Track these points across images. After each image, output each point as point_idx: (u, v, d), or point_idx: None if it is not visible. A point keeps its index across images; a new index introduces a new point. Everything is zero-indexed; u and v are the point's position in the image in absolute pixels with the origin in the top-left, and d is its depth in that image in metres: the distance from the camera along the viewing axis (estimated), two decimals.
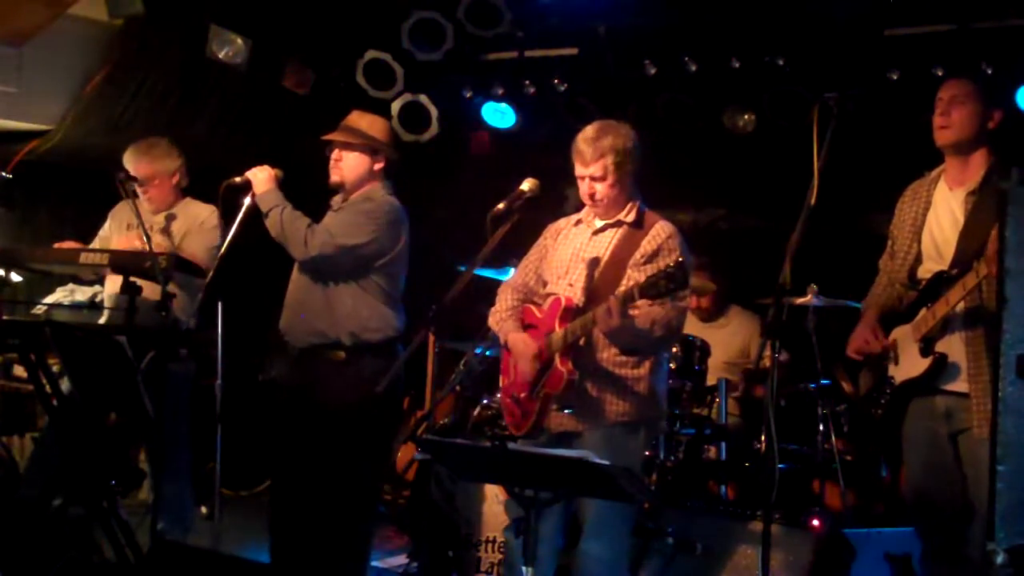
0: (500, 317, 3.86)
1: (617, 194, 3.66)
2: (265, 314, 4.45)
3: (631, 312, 3.39)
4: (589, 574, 3.56)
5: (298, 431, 4.22)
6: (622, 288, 3.51)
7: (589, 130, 3.66)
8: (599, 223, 3.74)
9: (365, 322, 4.15)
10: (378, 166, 4.26)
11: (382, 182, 4.30)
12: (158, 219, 4.81)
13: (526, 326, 3.78)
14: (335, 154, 4.24)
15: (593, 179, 3.63)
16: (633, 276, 3.57)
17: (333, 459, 4.14)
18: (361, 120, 4.30)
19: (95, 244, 4.98)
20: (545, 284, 3.84)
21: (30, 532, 4.24)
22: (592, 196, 3.66)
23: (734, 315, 5.88)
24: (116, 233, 4.91)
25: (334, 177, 4.25)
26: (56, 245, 4.67)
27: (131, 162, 4.80)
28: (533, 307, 3.81)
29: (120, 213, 4.97)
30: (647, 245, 3.62)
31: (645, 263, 3.59)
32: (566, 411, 3.61)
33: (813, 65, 5.51)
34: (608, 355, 3.61)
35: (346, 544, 4.19)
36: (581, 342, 3.56)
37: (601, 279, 3.63)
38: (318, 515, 4.17)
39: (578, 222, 3.84)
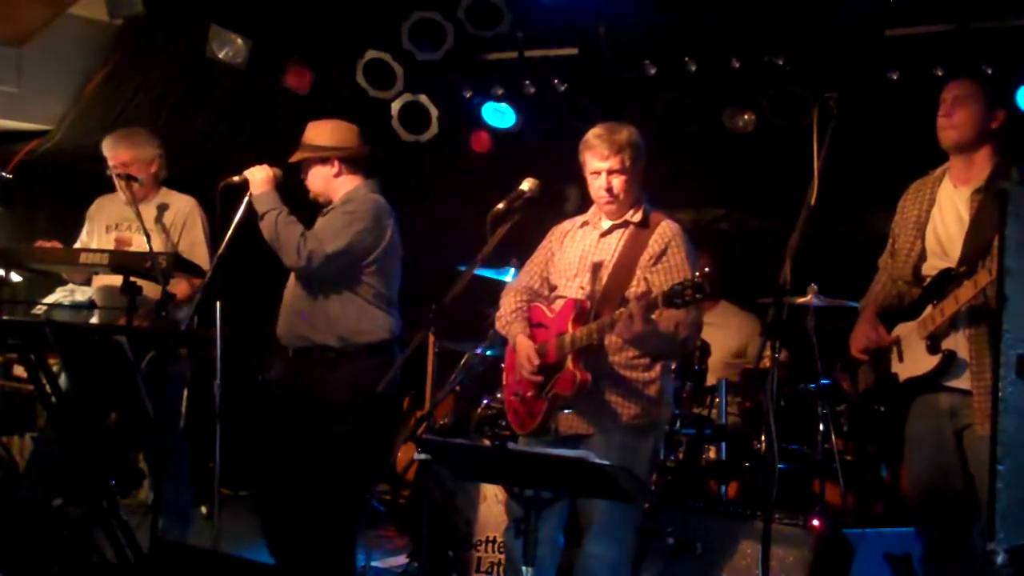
0: (506, 320, 3.85)
1: (630, 190, 3.66)
2: (265, 314, 4.46)
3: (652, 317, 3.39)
4: (593, 575, 3.57)
5: (291, 430, 4.24)
6: (633, 290, 3.52)
7: (600, 128, 3.67)
8: (606, 224, 3.74)
9: (354, 326, 4.16)
10: (334, 171, 4.27)
11: (362, 181, 4.32)
12: (149, 211, 4.76)
13: (535, 324, 3.77)
14: (303, 173, 4.31)
15: (611, 172, 3.61)
16: (643, 277, 3.58)
17: (323, 457, 4.16)
18: (310, 132, 4.32)
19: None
20: (552, 287, 3.83)
21: (30, 532, 4.24)
22: (610, 190, 3.63)
23: (729, 314, 5.86)
24: (98, 235, 4.84)
25: (310, 194, 4.33)
26: (39, 244, 4.65)
27: (109, 149, 4.74)
28: (543, 306, 3.80)
29: (97, 214, 4.90)
30: (654, 245, 3.63)
31: (654, 264, 3.60)
32: (566, 411, 3.61)
33: (813, 65, 5.51)
34: (621, 358, 3.60)
35: (332, 542, 4.20)
36: (595, 344, 3.56)
37: (611, 281, 3.63)
38: (306, 514, 4.18)
39: (584, 224, 3.83)
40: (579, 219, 3.88)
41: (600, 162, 3.63)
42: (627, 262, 3.63)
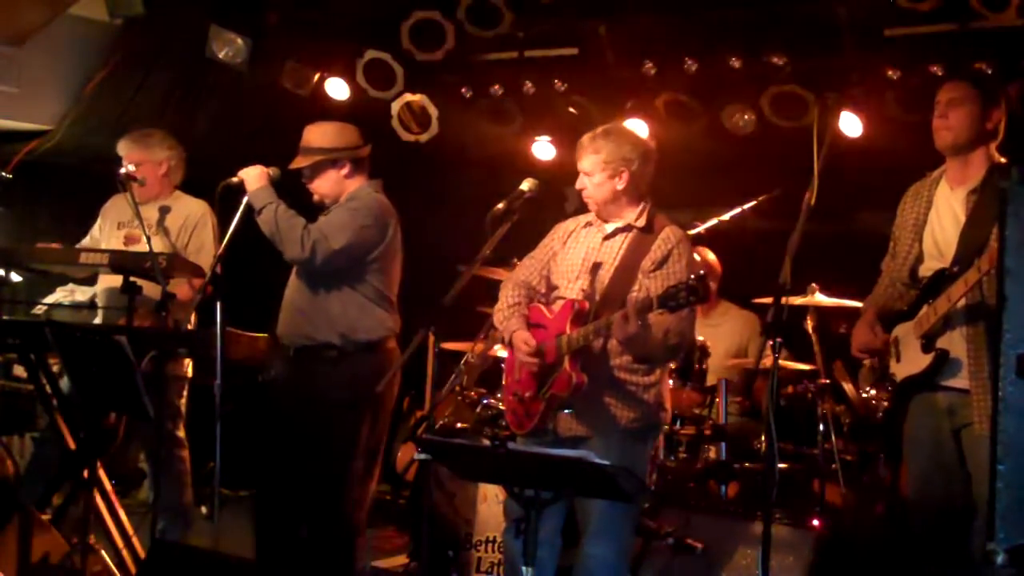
0: (504, 315, 3.85)
1: (609, 195, 3.68)
2: (265, 314, 4.45)
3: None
4: (592, 575, 3.56)
5: (292, 428, 4.24)
6: (634, 294, 3.53)
7: (599, 128, 3.74)
8: (609, 227, 3.75)
9: (354, 323, 4.17)
10: (344, 171, 4.27)
11: (365, 181, 4.32)
12: (151, 212, 4.77)
13: (533, 325, 3.77)
14: (307, 178, 4.29)
15: (585, 174, 3.69)
16: (644, 282, 3.58)
17: (324, 455, 4.16)
18: (311, 135, 4.30)
19: (86, 242, 4.97)
20: (553, 286, 3.83)
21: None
22: (582, 191, 3.72)
23: (729, 314, 5.86)
24: (108, 232, 4.89)
25: (315, 198, 4.32)
26: (40, 245, 4.67)
27: (123, 149, 4.84)
28: (542, 306, 3.80)
29: (111, 211, 4.95)
30: (657, 251, 3.63)
31: (655, 269, 3.60)
32: (566, 411, 3.61)
33: (813, 65, 5.51)
34: (621, 362, 3.60)
35: (333, 542, 4.20)
36: (597, 347, 3.56)
37: (612, 284, 3.63)
38: (306, 512, 4.18)
39: (588, 224, 3.84)
40: (582, 218, 3.88)
41: (579, 163, 3.71)
42: (630, 266, 3.64)
